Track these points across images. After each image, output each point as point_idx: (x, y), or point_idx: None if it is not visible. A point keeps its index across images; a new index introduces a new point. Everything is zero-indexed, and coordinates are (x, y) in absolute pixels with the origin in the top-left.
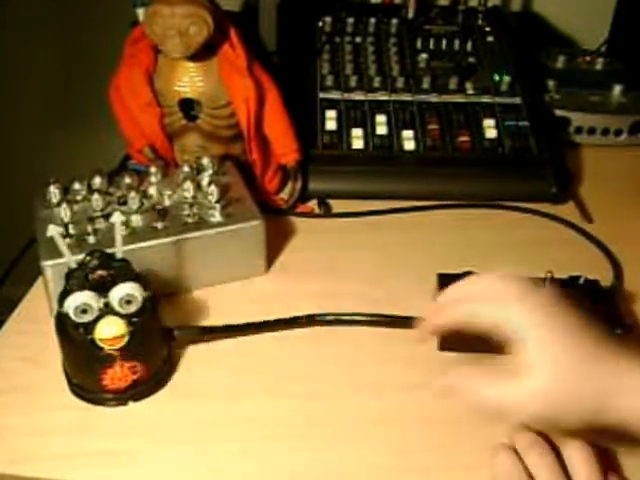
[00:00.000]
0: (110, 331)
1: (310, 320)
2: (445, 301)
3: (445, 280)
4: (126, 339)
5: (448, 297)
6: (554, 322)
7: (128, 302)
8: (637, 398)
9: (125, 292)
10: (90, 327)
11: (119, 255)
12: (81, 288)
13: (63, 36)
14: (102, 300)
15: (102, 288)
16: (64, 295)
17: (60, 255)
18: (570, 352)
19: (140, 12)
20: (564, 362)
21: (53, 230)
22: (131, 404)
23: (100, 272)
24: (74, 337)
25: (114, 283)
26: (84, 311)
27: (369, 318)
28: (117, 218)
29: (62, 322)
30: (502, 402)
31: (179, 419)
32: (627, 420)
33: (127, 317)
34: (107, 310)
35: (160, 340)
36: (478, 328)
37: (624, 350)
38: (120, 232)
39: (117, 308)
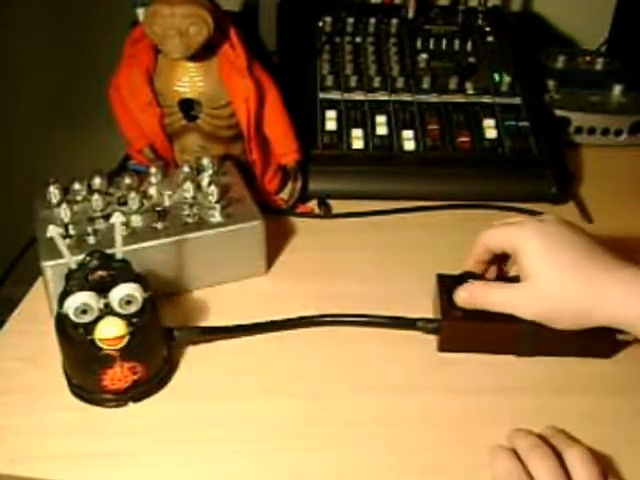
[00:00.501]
0: (110, 332)
1: (312, 321)
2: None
3: (445, 281)
4: (126, 339)
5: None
6: (548, 240)
7: (128, 302)
8: (617, 309)
9: (125, 293)
10: (90, 327)
11: (119, 256)
12: (81, 288)
13: (63, 36)
14: (102, 301)
15: (102, 288)
16: (64, 295)
17: (60, 255)
18: (561, 267)
19: (140, 12)
20: (556, 275)
21: (53, 231)
22: (131, 404)
23: (100, 272)
24: (74, 337)
25: (114, 283)
26: (84, 311)
27: (371, 320)
28: (117, 219)
29: (62, 322)
30: (506, 304)
31: (179, 419)
32: (611, 322)
33: (127, 318)
34: (107, 310)
35: (160, 340)
36: (493, 254)
37: (611, 264)
38: (120, 232)
39: (117, 309)
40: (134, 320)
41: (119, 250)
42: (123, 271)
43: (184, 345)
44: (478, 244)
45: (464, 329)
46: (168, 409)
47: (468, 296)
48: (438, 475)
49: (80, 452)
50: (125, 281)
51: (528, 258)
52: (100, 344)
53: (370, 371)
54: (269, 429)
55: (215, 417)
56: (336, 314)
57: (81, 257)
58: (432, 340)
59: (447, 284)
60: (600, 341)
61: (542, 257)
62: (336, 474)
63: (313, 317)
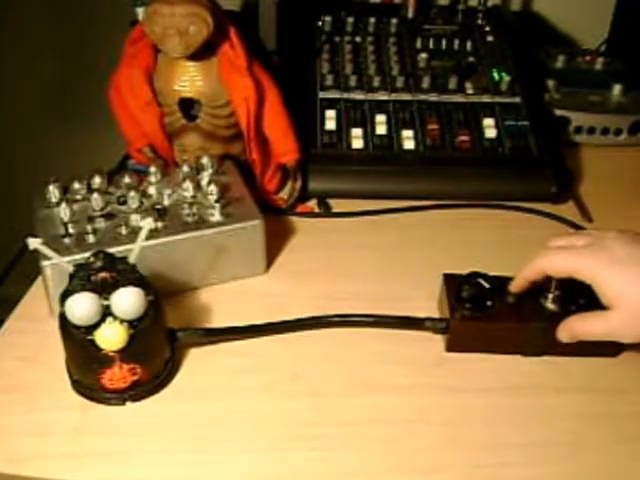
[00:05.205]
0: (110, 335)
1: (319, 322)
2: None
3: (451, 280)
4: (126, 342)
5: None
6: (623, 264)
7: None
8: None
9: (126, 299)
10: (91, 327)
11: (132, 260)
12: (83, 289)
13: (63, 36)
14: (104, 302)
15: (104, 291)
16: (66, 295)
17: (60, 254)
18: (634, 284)
19: (140, 11)
20: (630, 295)
21: (34, 243)
22: (131, 404)
23: (103, 274)
24: (74, 335)
25: (116, 287)
26: None
27: (379, 320)
28: (147, 224)
29: (64, 319)
30: (606, 334)
31: (179, 419)
32: None
33: (129, 321)
34: (109, 312)
35: (163, 343)
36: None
37: None
38: (143, 238)
39: (118, 314)
40: (136, 324)
41: (133, 257)
42: (127, 274)
43: (187, 346)
44: (536, 268)
45: (473, 329)
46: (168, 409)
47: (568, 334)
48: (438, 475)
49: (80, 451)
50: (128, 285)
51: (610, 288)
52: (100, 345)
53: (370, 371)
54: (269, 429)
55: (215, 417)
56: (344, 314)
57: (83, 256)
58: (432, 339)
59: (454, 284)
60: (608, 341)
61: (624, 283)
62: (336, 474)
63: (320, 318)
